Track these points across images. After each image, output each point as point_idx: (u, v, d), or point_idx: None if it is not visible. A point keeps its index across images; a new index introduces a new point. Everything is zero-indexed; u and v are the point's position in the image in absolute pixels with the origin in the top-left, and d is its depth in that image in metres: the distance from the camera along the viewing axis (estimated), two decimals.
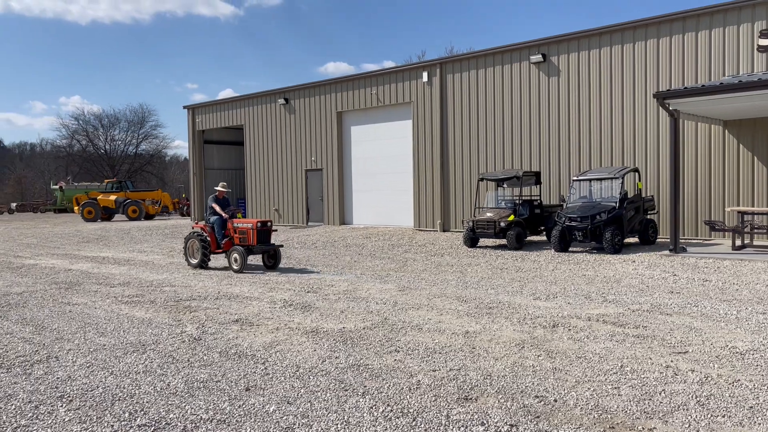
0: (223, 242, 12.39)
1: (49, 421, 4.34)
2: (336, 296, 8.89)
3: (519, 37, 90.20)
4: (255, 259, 13.16)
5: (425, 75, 20.35)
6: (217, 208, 12.49)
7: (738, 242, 12.98)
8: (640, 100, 16.02)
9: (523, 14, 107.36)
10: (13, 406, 4.65)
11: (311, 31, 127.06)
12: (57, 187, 54.31)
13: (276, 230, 13.21)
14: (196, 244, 12.54)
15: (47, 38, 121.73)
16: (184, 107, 30.37)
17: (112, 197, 37.72)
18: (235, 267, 11.86)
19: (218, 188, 12.94)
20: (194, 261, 12.55)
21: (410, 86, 20.90)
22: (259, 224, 12.05)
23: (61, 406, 4.64)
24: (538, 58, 17.67)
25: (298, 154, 24.91)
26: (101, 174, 72.12)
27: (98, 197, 38.07)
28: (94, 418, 4.38)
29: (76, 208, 40.01)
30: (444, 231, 19.98)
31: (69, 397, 4.83)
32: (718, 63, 14.84)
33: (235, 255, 11.85)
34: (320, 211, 24.35)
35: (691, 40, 15.20)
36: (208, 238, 12.37)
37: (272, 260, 12.25)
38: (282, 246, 12.85)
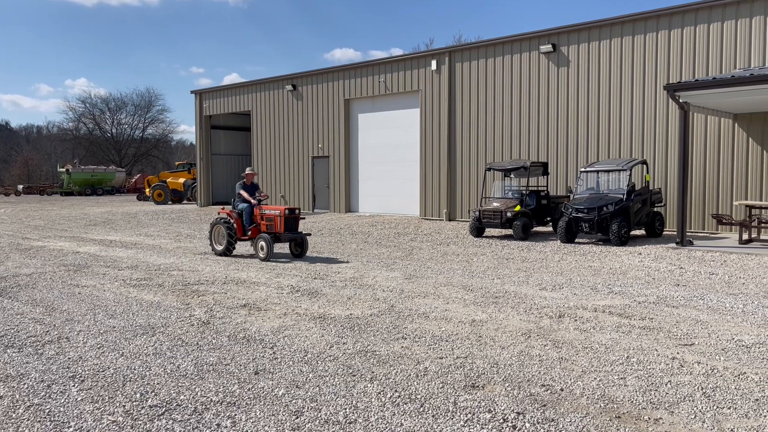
0: (249, 229, 12.02)
1: (62, 400, 4.41)
2: (342, 283, 8.94)
3: (528, 27, 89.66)
4: (281, 248, 12.83)
5: (434, 63, 20.28)
6: (246, 195, 12.09)
7: (745, 236, 12.96)
8: (650, 92, 15.93)
9: (532, 2, 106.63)
10: (26, 386, 4.71)
11: (318, 17, 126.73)
12: (64, 170, 54.56)
13: (304, 218, 12.59)
14: (221, 231, 12.07)
15: (53, 19, 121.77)
16: (192, 92, 30.41)
17: (181, 179, 36.45)
18: (261, 255, 11.42)
19: (247, 172, 12.49)
20: (219, 248, 12.10)
21: (418, 74, 20.83)
22: (287, 211, 11.60)
23: (74, 385, 4.70)
24: (547, 47, 17.58)
25: (304, 140, 24.91)
26: (107, 157, 72.36)
27: (168, 179, 36.81)
28: (106, 398, 4.44)
29: (147, 190, 38.65)
30: (450, 220, 20.00)
31: (81, 377, 4.89)
32: (729, 56, 14.74)
33: (262, 243, 11.42)
34: (326, 199, 24.39)
35: (702, 32, 15.09)
36: (235, 225, 11.92)
37: (299, 248, 11.83)
38: (310, 234, 12.40)
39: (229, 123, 31.45)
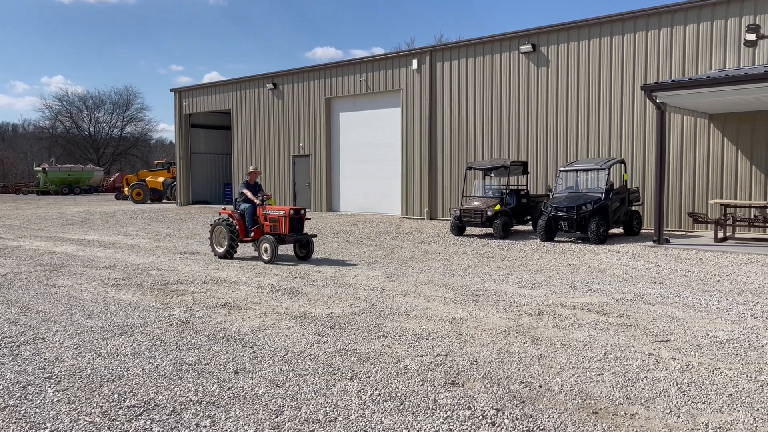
0: (252, 230, 11.51)
1: (38, 401, 4.35)
2: (323, 282, 8.93)
3: (509, 27, 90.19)
4: (285, 249, 12.22)
5: (415, 62, 20.32)
6: (249, 194, 11.55)
7: (720, 234, 13.18)
8: (628, 92, 16.13)
9: (512, 3, 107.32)
10: (1, 387, 4.64)
11: (299, 15, 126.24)
12: (40, 168, 53.73)
13: (310, 219, 11.99)
14: (222, 232, 11.48)
15: (29, 15, 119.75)
16: (171, 90, 30.12)
17: (160, 178, 35.82)
18: (265, 257, 10.92)
19: (250, 170, 12.02)
20: (220, 250, 11.50)
21: (399, 74, 20.86)
22: (292, 212, 11.09)
23: (50, 386, 4.64)
24: (527, 48, 17.70)
25: (285, 139, 24.81)
26: (85, 156, 71.41)
27: (147, 178, 36.19)
28: (83, 399, 4.39)
29: (126, 189, 37.87)
30: (431, 219, 20.05)
31: (57, 378, 4.83)
32: (705, 57, 14.97)
33: (266, 245, 10.90)
34: (307, 198, 24.31)
35: (679, 34, 15.31)
36: (237, 226, 11.40)
37: (304, 250, 11.25)
38: (315, 236, 11.94)
39: (209, 122, 31.21)
